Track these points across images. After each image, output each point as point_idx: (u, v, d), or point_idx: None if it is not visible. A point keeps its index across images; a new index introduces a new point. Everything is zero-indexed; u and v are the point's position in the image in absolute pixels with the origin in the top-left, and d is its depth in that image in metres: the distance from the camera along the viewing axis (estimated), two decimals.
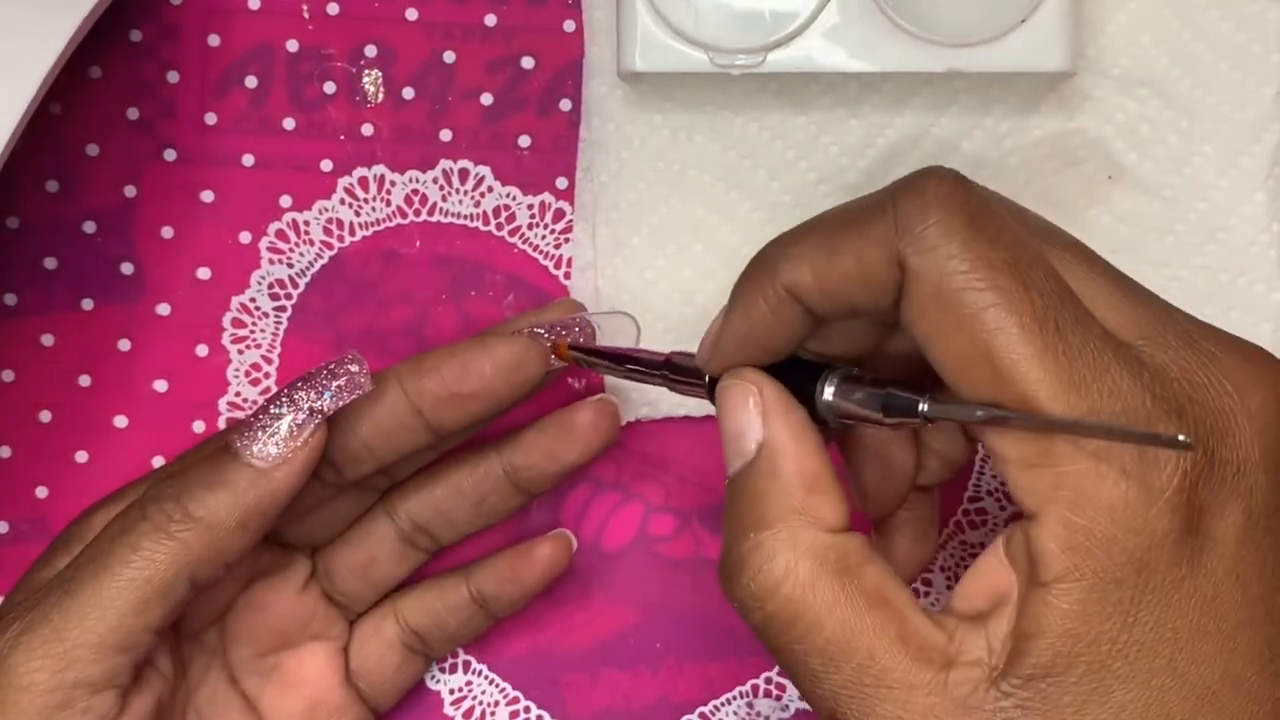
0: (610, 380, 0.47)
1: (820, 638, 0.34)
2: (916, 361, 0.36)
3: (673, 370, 0.41)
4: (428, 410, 0.41)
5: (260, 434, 0.39)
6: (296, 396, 0.39)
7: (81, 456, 0.47)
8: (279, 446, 0.39)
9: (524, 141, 0.47)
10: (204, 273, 0.47)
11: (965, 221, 0.33)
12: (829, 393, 0.36)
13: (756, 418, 0.36)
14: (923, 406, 0.35)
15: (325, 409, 0.39)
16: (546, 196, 0.47)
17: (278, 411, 0.39)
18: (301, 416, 0.39)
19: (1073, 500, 0.32)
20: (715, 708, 0.47)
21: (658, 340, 0.46)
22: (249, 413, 0.40)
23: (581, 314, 0.44)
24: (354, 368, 0.39)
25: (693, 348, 0.47)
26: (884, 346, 0.39)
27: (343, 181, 0.47)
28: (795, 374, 0.37)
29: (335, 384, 0.39)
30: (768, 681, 0.48)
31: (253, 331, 0.47)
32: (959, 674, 0.33)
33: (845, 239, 0.35)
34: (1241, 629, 0.33)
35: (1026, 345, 0.32)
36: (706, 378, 0.39)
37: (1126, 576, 0.32)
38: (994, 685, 0.33)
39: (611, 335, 0.44)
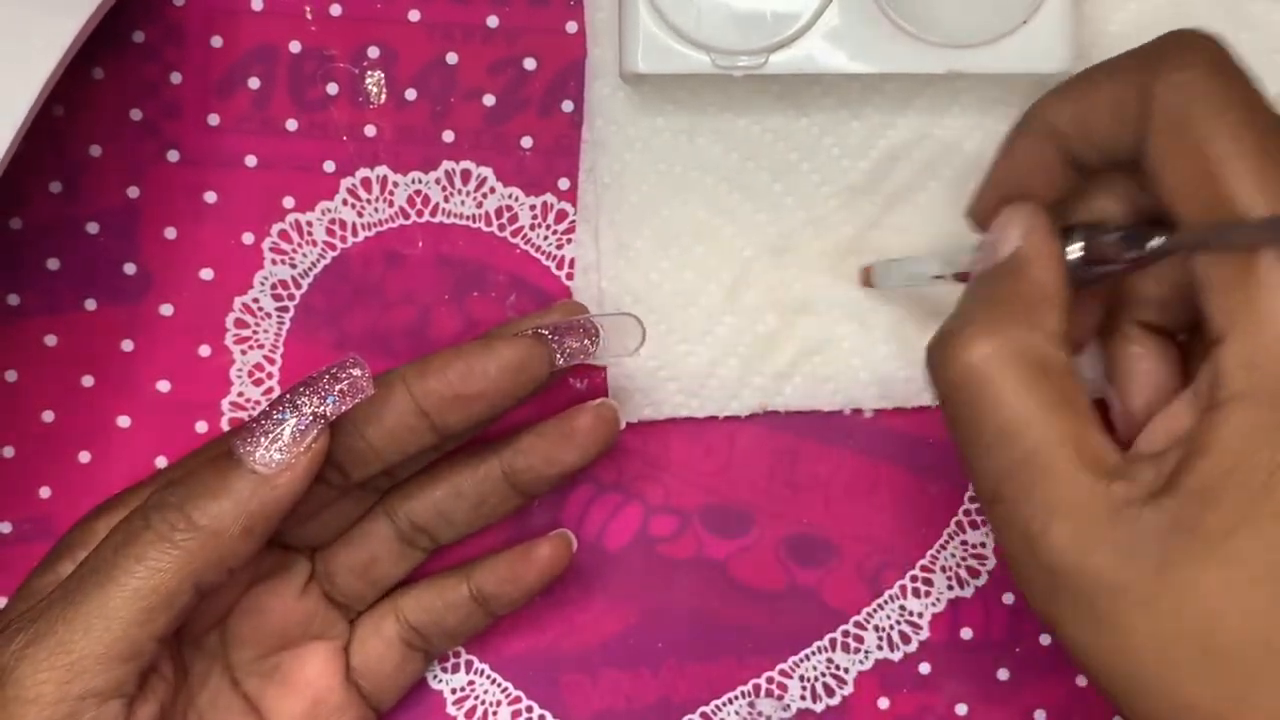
0: (612, 384, 0.47)
1: (1000, 416, 0.35)
2: (1171, 295, 0.39)
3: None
4: (433, 411, 0.41)
5: (263, 439, 0.39)
6: (299, 401, 0.39)
7: (84, 457, 0.47)
8: (282, 452, 0.39)
9: (526, 142, 0.47)
10: (207, 273, 0.47)
11: (1208, 60, 0.35)
12: (1077, 243, 0.39)
13: (1019, 230, 0.39)
14: (1159, 241, 0.37)
15: (328, 414, 0.39)
16: (549, 197, 0.47)
17: (280, 417, 0.39)
18: (305, 422, 0.39)
19: (1259, 320, 0.33)
20: (716, 708, 0.48)
21: (659, 342, 0.46)
22: (251, 417, 0.40)
23: (585, 316, 0.44)
24: (356, 371, 0.39)
25: (696, 348, 0.47)
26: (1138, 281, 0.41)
27: (345, 182, 0.47)
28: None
29: (338, 388, 0.39)
30: (769, 681, 0.48)
31: (255, 332, 0.47)
32: (1122, 487, 0.34)
33: (1100, 77, 0.37)
34: None
35: (1249, 171, 0.34)
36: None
37: None
38: (1152, 500, 0.34)
39: (616, 337, 0.44)
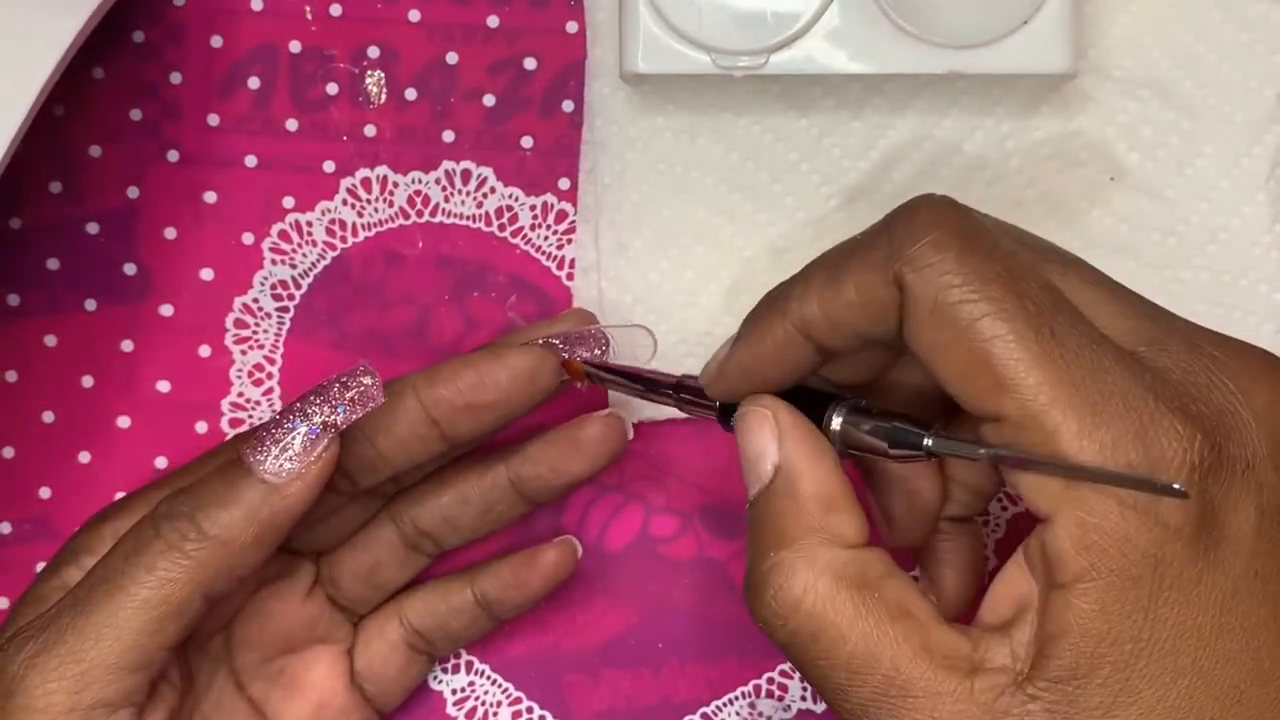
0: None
1: (844, 651, 0.34)
2: (927, 391, 0.36)
3: (684, 393, 0.41)
4: (443, 420, 0.41)
5: (273, 448, 0.39)
6: (310, 410, 0.39)
7: (84, 457, 0.47)
8: (293, 462, 0.38)
9: (526, 142, 0.47)
10: (207, 273, 0.47)
11: (958, 238, 0.34)
12: (836, 423, 0.37)
13: (772, 442, 0.36)
14: (927, 441, 0.35)
15: (339, 423, 0.39)
16: (549, 197, 0.47)
17: (291, 425, 0.39)
18: (315, 431, 0.39)
19: (1083, 499, 0.32)
20: (717, 708, 0.48)
21: (661, 340, 0.46)
22: (261, 424, 0.39)
23: (596, 326, 0.44)
24: (366, 380, 0.39)
25: (696, 349, 0.47)
26: (894, 377, 0.40)
27: (345, 182, 0.47)
28: (803, 400, 0.38)
29: (349, 396, 0.39)
30: (769, 682, 0.48)
31: (255, 332, 0.47)
32: (984, 680, 0.33)
33: (846, 269, 0.35)
34: (1265, 626, 0.33)
35: (1023, 350, 0.33)
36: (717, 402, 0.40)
37: (1143, 573, 0.32)
38: (1020, 689, 0.33)
39: (627, 347, 0.44)
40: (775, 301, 0.37)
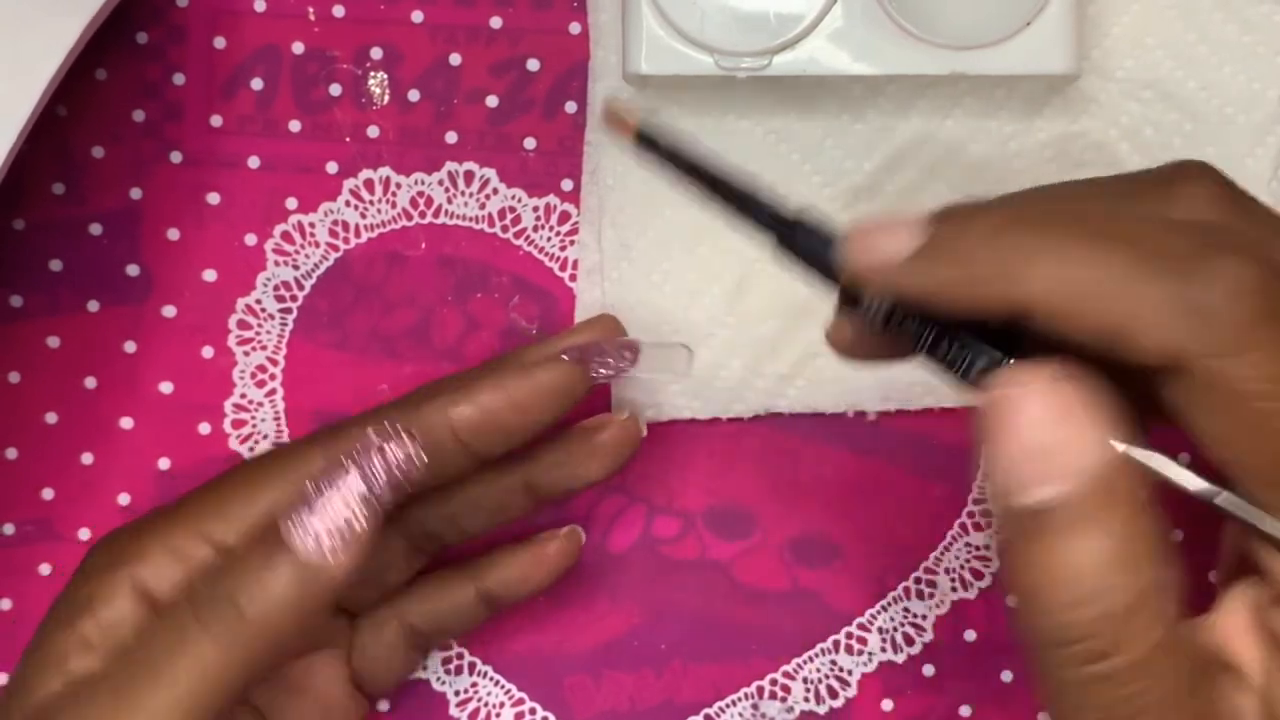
0: (616, 385, 0.47)
1: None
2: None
3: (799, 237, 0.34)
4: (472, 440, 0.41)
5: (314, 523, 0.37)
6: (349, 484, 0.37)
7: (87, 458, 0.47)
8: (333, 539, 0.37)
9: (529, 144, 0.47)
10: (210, 275, 0.47)
11: (1266, 324, 0.29)
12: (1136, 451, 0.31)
13: (1090, 449, 0.29)
14: (1219, 499, 0.31)
15: (381, 496, 0.38)
16: (552, 199, 0.47)
17: (332, 500, 0.37)
18: (355, 505, 0.37)
19: None
20: (720, 709, 0.48)
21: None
22: (300, 494, 0.38)
23: (629, 339, 0.43)
24: (406, 450, 0.38)
25: (699, 350, 0.47)
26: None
27: (348, 183, 0.47)
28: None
29: (393, 467, 0.38)
30: (772, 683, 0.48)
31: (258, 333, 0.47)
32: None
33: (1130, 295, 0.30)
34: None
35: None
36: (840, 278, 0.33)
37: None
38: None
39: (661, 365, 0.43)
40: (1007, 240, 0.30)
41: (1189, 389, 0.30)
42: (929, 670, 0.48)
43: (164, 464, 0.47)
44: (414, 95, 0.47)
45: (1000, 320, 0.31)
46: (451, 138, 0.47)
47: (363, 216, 0.47)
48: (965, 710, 0.48)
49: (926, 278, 0.31)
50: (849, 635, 0.48)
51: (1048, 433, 0.29)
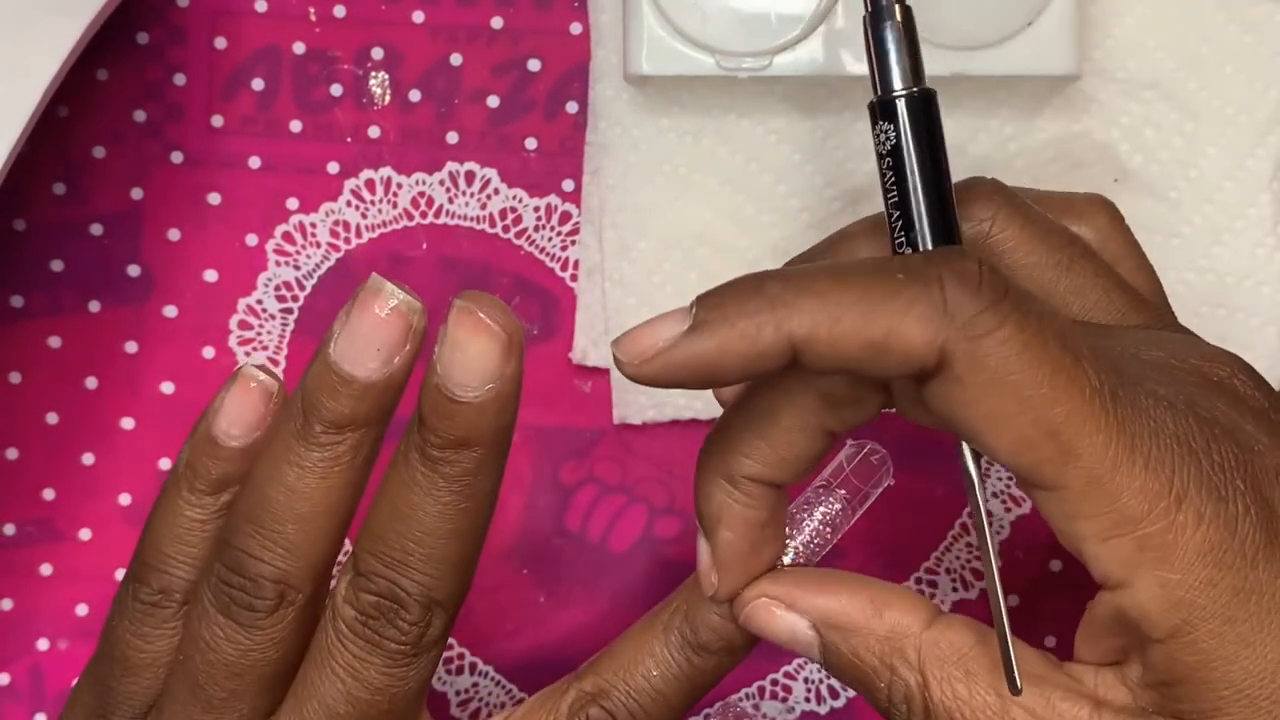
0: (615, 385, 0.47)
1: None
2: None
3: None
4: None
5: None
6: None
7: (88, 459, 0.47)
8: None
9: (530, 144, 0.47)
10: (211, 275, 0.47)
11: (1016, 307, 0.32)
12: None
13: (790, 616, 0.38)
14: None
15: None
16: (553, 199, 0.47)
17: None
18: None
19: (1160, 559, 0.32)
20: (720, 709, 0.47)
21: None
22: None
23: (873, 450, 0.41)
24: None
25: None
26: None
27: (349, 184, 0.47)
28: None
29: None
30: (773, 683, 0.48)
31: (259, 334, 0.47)
32: (1109, 714, 0.33)
33: (879, 307, 0.32)
34: None
35: (1090, 420, 0.32)
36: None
37: (1236, 611, 0.32)
38: None
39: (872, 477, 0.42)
40: (764, 294, 0.33)
41: (951, 381, 0.32)
42: None
43: (165, 464, 0.47)
44: (415, 95, 0.47)
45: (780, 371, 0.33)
46: (452, 138, 0.47)
47: (364, 217, 0.47)
48: None
49: (697, 346, 0.33)
50: None
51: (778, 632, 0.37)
